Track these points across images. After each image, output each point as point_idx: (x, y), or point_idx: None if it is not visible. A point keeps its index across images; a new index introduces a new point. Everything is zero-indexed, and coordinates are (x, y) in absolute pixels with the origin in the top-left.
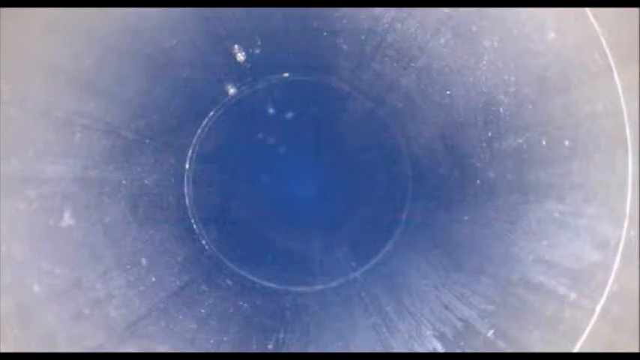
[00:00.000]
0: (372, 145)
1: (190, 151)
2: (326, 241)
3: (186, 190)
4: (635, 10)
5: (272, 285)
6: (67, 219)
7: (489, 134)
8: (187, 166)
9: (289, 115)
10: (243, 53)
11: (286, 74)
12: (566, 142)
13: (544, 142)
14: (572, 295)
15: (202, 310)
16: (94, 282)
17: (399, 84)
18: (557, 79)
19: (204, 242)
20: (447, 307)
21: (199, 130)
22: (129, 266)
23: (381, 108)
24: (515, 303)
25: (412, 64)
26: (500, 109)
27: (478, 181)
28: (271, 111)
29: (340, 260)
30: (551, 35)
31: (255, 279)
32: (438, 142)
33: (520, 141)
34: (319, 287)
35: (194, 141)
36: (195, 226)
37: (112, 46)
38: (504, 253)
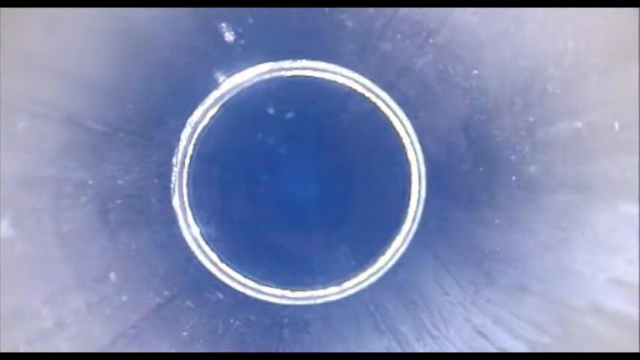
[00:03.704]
0: (373, 144)
1: (184, 148)
2: (326, 241)
3: (185, 190)
4: None
5: (271, 285)
6: (5, 228)
7: (530, 119)
8: (187, 165)
9: (289, 115)
10: (232, 33)
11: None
12: None
13: (617, 126)
14: None
15: (185, 333)
16: (39, 307)
17: (413, 67)
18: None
19: (199, 245)
20: (480, 333)
21: (199, 129)
22: (92, 284)
23: (388, 99)
24: (584, 336)
25: (430, 41)
26: (549, 87)
27: (513, 178)
28: (271, 111)
29: (340, 260)
30: None
31: (253, 279)
32: (458, 133)
33: (578, 125)
34: (321, 300)
35: (189, 137)
36: (186, 231)
37: (74, 18)
38: (558, 268)
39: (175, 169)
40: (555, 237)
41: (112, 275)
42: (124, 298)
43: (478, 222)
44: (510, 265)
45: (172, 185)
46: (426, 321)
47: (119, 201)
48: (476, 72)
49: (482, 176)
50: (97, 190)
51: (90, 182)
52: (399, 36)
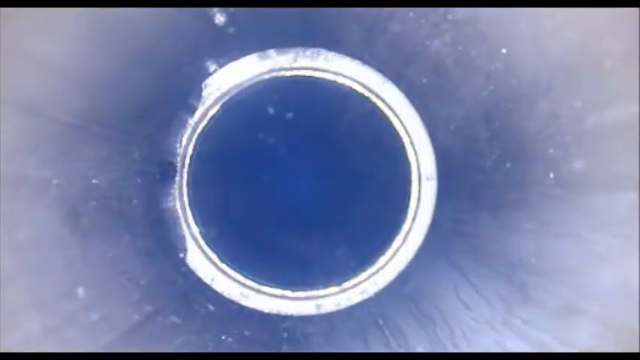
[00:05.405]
0: (373, 144)
1: (184, 148)
2: (326, 241)
3: (185, 190)
4: None
5: (271, 285)
6: None
7: (575, 105)
8: (187, 165)
9: (289, 115)
10: (223, 14)
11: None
12: None
13: None
14: None
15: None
16: None
17: (426, 50)
18: None
19: (199, 245)
20: None
21: (199, 129)
22: (52, 302)
23: (388, 98)
24: None
25: (449, 17)
26: (606, 62)
27: (551, 175)
28: (271, 111)
29: (340, 260)
30: None
31: (254, 279)
32: (479, 124)
33: None
34: (321, 300)
35: (189, 137)
36: (185, 231)
37: None
38: (619, 285)
39: (175, 169)
40: (615, 247)
41: (80, 290)
42: (94, 317)
43: (504, 227)
44: (551, 279)
45: (173, 185)
46: (445, 341)
47: (93, 203)
48: (504, 51)
49: (510, 173)
50: (64, 190)
51: (55, 182)
52: (411, 14)
